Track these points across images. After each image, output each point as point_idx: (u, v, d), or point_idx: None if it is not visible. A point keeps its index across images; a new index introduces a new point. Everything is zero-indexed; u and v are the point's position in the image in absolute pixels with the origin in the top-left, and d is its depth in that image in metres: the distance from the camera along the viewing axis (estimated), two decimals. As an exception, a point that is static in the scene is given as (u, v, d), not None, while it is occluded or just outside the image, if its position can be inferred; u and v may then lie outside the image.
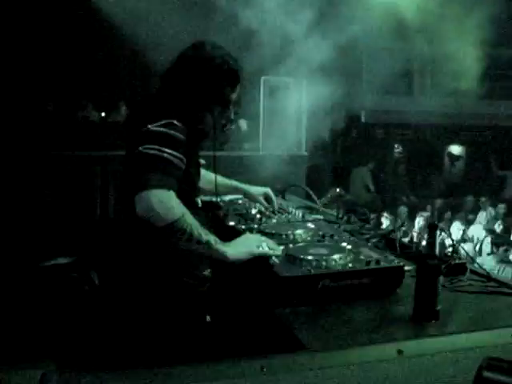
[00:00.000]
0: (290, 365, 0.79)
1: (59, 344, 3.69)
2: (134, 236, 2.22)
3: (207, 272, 2.32)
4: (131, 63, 9.94)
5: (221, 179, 2.84)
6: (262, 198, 3.00)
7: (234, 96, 2.28)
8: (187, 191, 2.17)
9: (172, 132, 2.00)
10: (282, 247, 2.17)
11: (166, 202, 1.90)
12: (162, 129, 1.99)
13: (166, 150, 1.96)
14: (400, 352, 0.87)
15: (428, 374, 0.83)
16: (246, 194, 3.03)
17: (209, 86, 2.18)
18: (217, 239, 2.06)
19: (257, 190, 3.03)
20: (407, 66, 12.62)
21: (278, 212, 2.99)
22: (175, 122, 2.02)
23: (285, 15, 9.43)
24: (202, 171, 2.64)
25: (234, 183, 2.99)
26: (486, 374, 0.69)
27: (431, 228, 1.70)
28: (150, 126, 2.00)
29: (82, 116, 10.72)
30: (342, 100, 12.24)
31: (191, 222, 1.97)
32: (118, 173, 4.15)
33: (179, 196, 2.01)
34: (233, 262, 2.09)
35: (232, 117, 2.36)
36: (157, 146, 1.95)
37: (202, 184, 2.56)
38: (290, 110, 11.82)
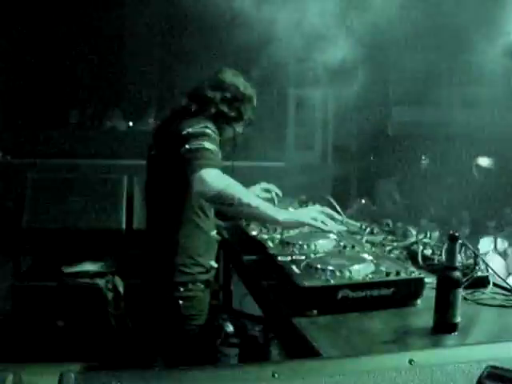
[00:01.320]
0: (301, 371, 0.81)
1: (80, 349, 3.74)
2: (158, 235, 2.57)
3: (212, 263, 2.60)
4: (158, 73, 10.06)
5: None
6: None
7: (247, 114, 2.71)
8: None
9: (208, 131, 2.38)
10: (341, 226, 2.41)
11: (214, 175, 2.20)
12: (200, 130, 2.37)
13: (206, 142, 2.31)
14: (411, 361, 0.87)
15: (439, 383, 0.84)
16: None
17: (227, 105, 2.61)
18: (268, 205, 2.29)
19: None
20: (434, 77, 12.53)
21: None
22: (209, 125, 2.42)
23: (311, 30, 9.48)
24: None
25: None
26: (486, 382, 0.70)
27: (452, 239, 1.69)
28: (189, 130, 2.36)
29: (109, 126, 10.89)
30: (368, 111, 12.26)
31: (239, 189, 2.22)
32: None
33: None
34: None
35: (242, 131, 2.76)
36: (199, 142, 2.30)
37: None
38: (316, 122, 11.86)
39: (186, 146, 2.29)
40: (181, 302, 2.45)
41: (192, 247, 2.50)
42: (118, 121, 10.96)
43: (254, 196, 2.31)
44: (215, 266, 2.63)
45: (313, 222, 2.23)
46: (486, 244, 7.96)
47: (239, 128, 2.73)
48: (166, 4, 9.72)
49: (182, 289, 2.45)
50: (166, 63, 10.22)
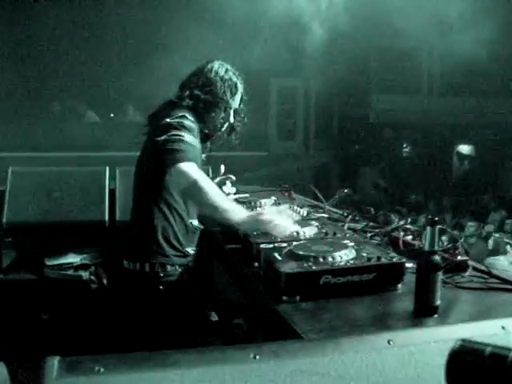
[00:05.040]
0: (282, 353, 0.82)
1: (64, 340, 3.74)
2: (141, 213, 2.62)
3: (190, 249, 2.66)
4: (138, 66, 10.00)
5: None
6: None
7: (233, 103, 2.74)
8: None
9: (186, 122, 2.44)
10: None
11: (185, 170, 2.31)
12: (178, 120, 2.44)
13: (184, 134, 2.39)
14: (390, 341, 0.89)
15: (417, 362, 0.86)
16: None
17: (213, 90, 2.64)
18: (233, 204, 2.41)
19: None
20: (415, 66, 12.61)
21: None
22: (188, 116, 2.48)
23: (293, 17, 9.50)
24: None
25: None
26: (457, 355, 0.72)
27: (431, 224, 1.71)
28: (167, 120, 2.44)
29: (89, 118, 10.83)
30: (350, 100, 12.30)
31: (204, 185, 2.31)
32: (126, 173, 4.19)
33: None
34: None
35: (231, 120, 2.78)
36: (176, 132, 2.39)
37: None
38: (298, 110, 11.87)
39: (164, 137, 2.38)
40: (161, 287, 2.51)
41: (169, 231, 2.56)
42: (98, 112, 10.90)
43: (223, 197, 2.41)
44: (192, 252, 2.67)
45: (268, 227, 2.32)
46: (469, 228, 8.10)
47: (223, 115, 2.72)
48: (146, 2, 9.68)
49: (160, 272, 2.51)
50: (144, 54, 10.17)
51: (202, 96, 2.62)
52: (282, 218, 2.40)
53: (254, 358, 0.80)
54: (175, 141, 2.37)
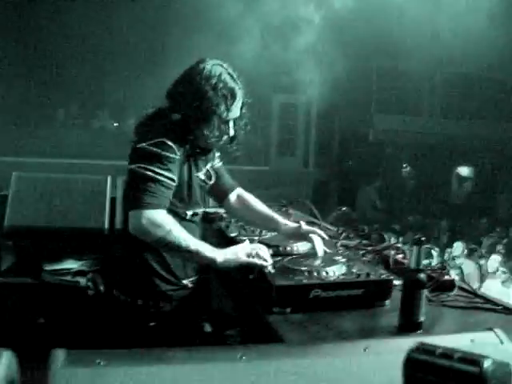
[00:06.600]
0: (267, 354, 0.90)
1: (59, 344, 3.79)
2: (129, 245, 2.31)
3: (188, 281, 2.39)
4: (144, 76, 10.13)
5: (262, 209, 2.71)
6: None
7: (231, 114, 2.28)
8: (175, 204, 2.26)
9: (162, 152, 2.13)
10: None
11: (154, 221, 2.07)
12: (153, 148, 2.13)
13: (157, 170, 2.11)
14: (366, 349, 0.97)
15: (391, 369, 0.93)
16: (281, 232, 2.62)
17: (203, 103, 2.21)
18: (207, 247, 2.19)
19: (291, 229, 2.55)
20: (417, 87, 12.74)
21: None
22: (166, 140, 2.14)
23: (296, 34, 9.64)
24: (249, 197, 2.74)
25: (273, 216, 2.66)
26: (412, 355, 0.80)
27: (417, 243, 1.80)
28: (144, 144, 2.15)
29: (95, 126, 10.94)
30: (350, 118, 12.42)
31: (178, 235, 2.11)
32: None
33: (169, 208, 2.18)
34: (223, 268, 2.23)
35: (231, 133, 2.34)
36: (148, 166, 2.11)
37: (243, 211, 2.69)
38: (299, 127, 11.99)
39: (133, 167, 2.15)
40: (152, 323, 2.30)
41: (160, 265, 2.29)
42: (104, 121, 11.02)
43: (191, 239, 2.15)
44: (190, 285, 2.40)
45: (249, 260, 2.16)
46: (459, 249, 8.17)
47: (217, 133, 2.27)
48: (149, 8, 9.80)
49: (151, 307, 2.30)
50: (149, 64, 10.30)
51: (190, 112, 2.23)
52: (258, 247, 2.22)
53: (241, 358, 0.88)
54: (143, 178, 2.10)
